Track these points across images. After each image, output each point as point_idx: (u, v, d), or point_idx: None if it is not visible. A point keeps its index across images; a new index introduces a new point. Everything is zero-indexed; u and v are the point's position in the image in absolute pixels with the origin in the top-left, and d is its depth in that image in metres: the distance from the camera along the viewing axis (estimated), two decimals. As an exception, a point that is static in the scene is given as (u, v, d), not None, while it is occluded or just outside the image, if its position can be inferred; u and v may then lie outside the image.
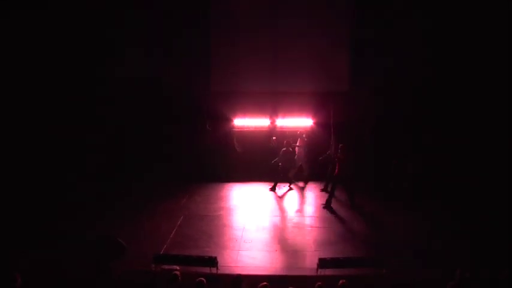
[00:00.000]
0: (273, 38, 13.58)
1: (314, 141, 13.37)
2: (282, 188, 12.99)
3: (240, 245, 9.43)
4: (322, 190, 12.59)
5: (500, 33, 12.33)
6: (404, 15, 12.96)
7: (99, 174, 12.18)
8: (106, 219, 10.21)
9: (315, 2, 13.59)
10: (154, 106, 13.23)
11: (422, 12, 12.87)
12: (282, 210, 11.62)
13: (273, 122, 13.47)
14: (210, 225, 10.41)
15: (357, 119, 13.35)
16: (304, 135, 13.09)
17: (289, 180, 13.14)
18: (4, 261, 7.89)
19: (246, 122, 13.82)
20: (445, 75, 12.90)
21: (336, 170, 11.46)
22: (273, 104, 13.55)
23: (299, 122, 13.72)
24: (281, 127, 13.56)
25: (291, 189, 12.87)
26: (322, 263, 8.04)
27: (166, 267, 7.89)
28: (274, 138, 12.85)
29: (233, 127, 13.79)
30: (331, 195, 11.50)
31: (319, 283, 6.51)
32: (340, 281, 6.50)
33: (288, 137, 12.96)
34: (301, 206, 11.85)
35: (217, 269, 8.07)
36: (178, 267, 7.45)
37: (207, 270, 7.98)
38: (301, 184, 13.31)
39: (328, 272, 7.95)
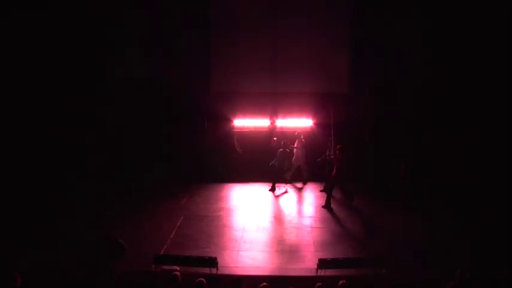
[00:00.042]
0: (273, 38, 13.57)
1: (313, 141, 13.36)
2: (282, 188, 12.99)
3: (240, 246, 9.43)
4: (321, 191, 12.58)
5: (500, 33, 12.33)
6: (404, 15, 12.95)
7: (99, 174, 12.17)
8: (106, 219, 10.21)
9: (315, 2, 13.58)
10: (154, 106, 13.22)
11: (422, 12, 12.86)
12: (281, 210, 11.62)
13: (273, 123, 13.46)
14: (210, 225, 10.41)
15: (357, 119, 13.35)
16: (302, 136, 13.07)
17: (286, 180, 13.13)
18: (4, 261, 7.89)
19: (246, 122, 13.81)
20: (445, 75, 12.90)
21: (334, 171, 11.46)
22: (273, 105, 13.54)
23: (299, 123, 13.70)
24: (281, 127, 13.54)
25: (286, 191, 12.78)
26: (322, 263, 8.04)
27: (166, 267, 7.89)
28: (275, 139, 12.84)
29: (233, 127, 13.78)
30: (329, 196, 11.50)
31: (319, 284, 6.52)
32: (340, 282, 6.50)
33: (287, 137, 12.95)
34: (301, 207, 11.86)
35: (217, 269, 8.07)
36: (178, 268, 7.46)
37: (207, 270, 7.98)
38: (299, 185, 13.29)
39: (328, 272, 7.96)
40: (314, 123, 13.70)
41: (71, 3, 12.53)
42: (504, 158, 11.88)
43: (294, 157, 13.00)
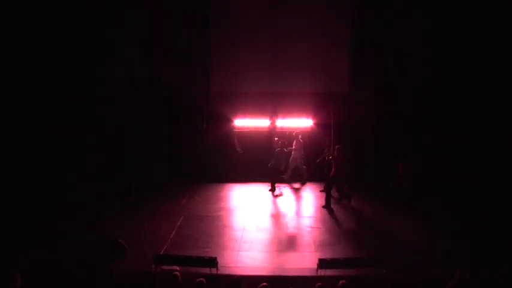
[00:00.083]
0: (273, 38, 13.57)
1: (314, 141, 13.36)
2: (281, 189, 12.97)
3: (240, 246, 9.43)
4: (321, 191, 12.57)
5: (500, 33, 12.33)
6: (404, 15, 12.95)
7: (99, 174, 12.17)
8: (106, 219, 10.20)
9: (315, 2, 13.59)
10: (154, 106, 13.22)
11: (422, 12, 12.86)
12: (281, 210, 11.62)
13: (273, 123, 13.46)
14: (210, 225, 10.41)
15: (357, 119, 13.35)
16: (300, 137, 13.06)
17: (285, 181, 13.12)
18: (4, 261, 7.89)
19: (246, 122, 13.80)
20: (445, 75, 12.90)
21: (332, 171, 11.45)
22: (273, 105, 13.53)
23: (299, 123, 13.70)
24: (281, 127, 13.53)
25: (281, 194, 12.69)
26: (322, 263, 8.04)
27: (166, 267, 7.89)
28: (276, 139, 12.83)
29: (233, 127, 13.78)
30: (329, 196, 11.49)
31: (319, 284, 6.51)
32: (340, 282, 6.50)
33: (285, 137, 12.93)
34: (301, 207, 11.86)
35: (217, 269, 8.07)
36: (178, 268, 7.46)
37: (207, 270, 7.98)
38: (296, 185, 13.25)
39: (328, 272, 7.95)
40: (314, 123, 13.69)
41: (71, 3, 12.54)
42: (504, 158, 11.88)
43: (291, 158, 12.96)
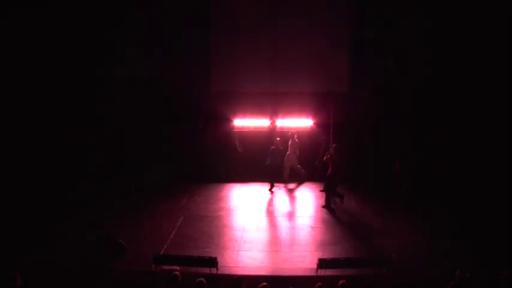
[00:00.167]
0: (273, 38, 13.57)
1: (313, 141, 13.35)
2: (280, 189, 12.96)
3: (240, 246, 9.43)
4: (321, 190, 12.55)
5: (500, 33, 12.33)
6: (404, 15, 12.95)
7: (99, 174, 12.17)
8: (106, 219, 10.20)
9: (315, 2, 13.59)
10: (154, 106, 13.22)
11: (422, 12, 12.86)
12: (281, 210, 11.62)
13: (273, 123, 13.45)
14: (210, 225, 10.41)
15: (357, 119, 13.34)
16: (295, 136, 13.03)
17: (284, 181, 13.10)
18: (4, 261, 7.88)
19: (246, 122, 13.80)
20: (445, 75, 12.90)
21: (329, 170, 11.45)
22: (273, 104, 13.53)
23: (299, 123, 13.69)
24: (281, 127, 13.52)
25: (271, 192, 12.63)
26: (322, 263, 8.05)
27: (166, 267, 7.90)
28: (278, 139, 12.82)
29: (233, 127, 13.77)
30: (329, 196, 11.49)
31: (319, 283, 6.50)
32: (340, 281, 6.49)
33: (282, 136, 12.92)
34: (301, 207, 11.85)
35: (217, 269, 8.07)
36: (178, 268, 7.46)
37: (207, 270, 7.99)
38: (292, 185, 13.22)
39: (328, 272, 7.96)
40: (314, 123, 13.68)
41: (71, 3, 12.54)
42: (504, 158, 11.88)
43: (285, 157, 12.93)
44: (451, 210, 10.82)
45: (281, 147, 12.64)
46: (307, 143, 13.34)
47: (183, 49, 13.32)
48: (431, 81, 12.94)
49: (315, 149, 12.99)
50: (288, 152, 12.93)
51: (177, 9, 13.19)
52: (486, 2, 12.45)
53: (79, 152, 12.47)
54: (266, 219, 10.97)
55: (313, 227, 10.43)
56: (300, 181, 13.33)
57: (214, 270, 8.04)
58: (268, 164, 12.46)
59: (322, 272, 8.00)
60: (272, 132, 13.21)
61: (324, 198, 11.62)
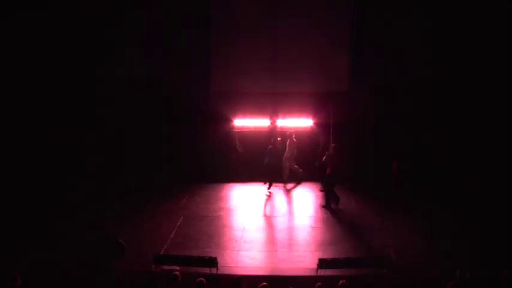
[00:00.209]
0: (273, 38, 13.55)
1: (313, 141, 13.34)
2: (282, 189, 12.95)
3: (240, 246, 9.43)
4: (321, 190, 12.55)
5: (500, 33, 12.32)
6: (404, 15, 12.94)
7: (99, 174, 12.17)
8: (106, 219, 10.20)
9: (315, 2, 13.57)
10: (154, 106, 13.21)
11: (422, 12, 12.85)
12: (281, 210, 11.63)
13: (273, 122, 13.44)
14: (210, 225, 10.41)
15: (357, 119, 13.34)
16: (293, 136, 13.01)
17: (283, 181, 13.09)
18: (4, 261, 7.89)
19: (246, 122, 13.79)
20: (445, 75, 12.89)
21: (328, 170, 11.44)
22: (273, 104, 13.52)
23: (299, 122, 13.68)
24: (281, 127, 13.51)
25: (269, 192, 12.59)
26: (322, 263, 8.05)
27: (166, 267, 7.90)
28: (279, 139, 12.81)
29: (233, 127, 13.77)
30: (329, 196, 11.49)
31: (319, 283, 6.51)
32: (340, 281, 6.50)
33: (285, 136, 12.92)
34: (301, 207, 11.84)
35: (217, 269, 8.08)
36: (178, 268, 7.47)
37: (207, 270, 7.99)
38: (290, 185, 13.20)
39: (328, 272, 7.96)
40: (314, 123, 13.67)
41: (71, 3, 12.53)
42: (504, 158, 11.88)
43: (283, 157, 12.91)
44: (451, 210, 10.82)
45: (279, 147, 12.62)
46: (307, 143, 13.31)
47: (183, 49, 13.31)
48: (431, 81, 12.93)
49: (314, 149, 12.98)
50: (286, 152, 12.91)
51: (177, 9, 13.18)
52: (486, 2, 12.44)
53: (79, 152, 12.47)
54: (266, 219, 10.97)
55: (313, 227, 10.43)
56: (297, 181, 13.31)
57: (214, 270, 8.04)
58: (266, 163, 12.44)
59: (322, 272, 8.00)
60: (272, 132, 13.19)
61: (324, 198, 11.62)
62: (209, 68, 13.76)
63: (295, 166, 13.14)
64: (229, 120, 13.71)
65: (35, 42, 12.35)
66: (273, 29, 13.53)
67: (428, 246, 9.17)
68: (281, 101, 13.53)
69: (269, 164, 12.42)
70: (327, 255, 8.59)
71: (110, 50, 13.00)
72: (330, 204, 11.40)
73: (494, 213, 10.42)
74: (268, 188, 12.64)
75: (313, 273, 8.08)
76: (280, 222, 10.85)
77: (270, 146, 12.46)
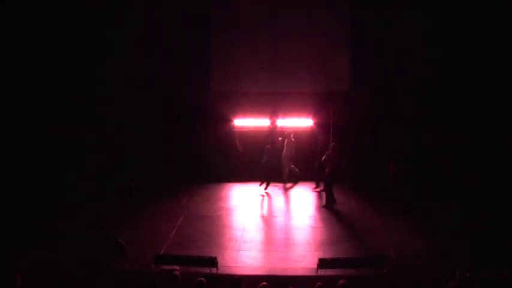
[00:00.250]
0: (273, 38, 13.57)
1: (313, 141, 13.33)
2: (281, 188, 12.95)
3: (240, 245, 9.43)
4: (321, 190, 12.55)
5: (500, 33, 12.33)
6: (404, 15, 12.95)
7: (99, 174, 12.17)
8: (106, 219, 10.20)
9: (315, 2, 13.59)
10: (154, 106, 13.22)
11: (422, 12, 12.86)
12: (281, 210, 11.63)
13: (273, 122, 13.43)
14: (210, 225, 10.41)
15: (357, 119, 13.34)
16: (291, 136, 13.00)
17: (283, 181, 13.07)
18: (4, 261, 7.89)
19: (246, 122, 13.79)
20: (445, 75, 12.89)
21: (327, 169, 11.44)
22: (273, 104, 13.52)
23: (299, 122, 13.69)
24: (281, 127, 13.51)
25: (266, 192, 12.53)
26: (322, 263, 8.05)
27: (166, 267, 7.89)
28: (280, 139, 12.80)
29: (234, 127, 13.77)
30: (329, 195, 11.48)
31: (319, 283, 6.51)
32: (340, 281, 6.50)
33: (284, 136, 12.92)
34: (301, 207, 11.83)
35: (217, 269, 8.07)
36: (178, 268, 7.46)
37: (207, 270, 7.99)
38: (289, 185, 13.19)
39: (328, 272, 7.96)
40: (314, 123, 13.67)
41: (71, 3, 12.53)
42: (504, 158, 11.88)
43: (282, 156, 12.90)
44: (451, 210, 10.82)
45: (277, 147, 12.60)
46: (306, 143, 13.29)
47: (183, 49, 13.33)
48: (431, 81, 12.93)
49: (313, 148, 12.97)
50: (283, 152, 12.88)
51: (177, 9, 13.19)
52: (486, 2, 12.45)
53: (79, 152, 12.47)
54: (266, 219, 10.97)
55: (313, 227, 10.43)
56: (295, 181, 13.29)
57: (214, 270, 8.04)
58: (264, 162, 12.42)
59: (322, 272, 8.00)
60: (272, 132, 13.19)
61: (324, 198, 11.62)
62: (209, 68, 13.76)
63: (292, 166, 13.13)
64: (229, 120, 13.71)
65: (35, 42, 12.36)
66: (273, 29, 13.55)
67: (428, 246, 9.16)
68: (281, 101, 13.53)
69: (267, 164, 12.41)
70: (327, 255, 8.58)
71: (110, 50, 13.01)
72: (330, 204, 11.40)
73: (494, 213, 10.42)
74: (265, 188, 12.60)
75: (313, 273, 8.08)
76: (280, 222, 10.85)
77: (267, 146, 12.45)
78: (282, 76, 13.58)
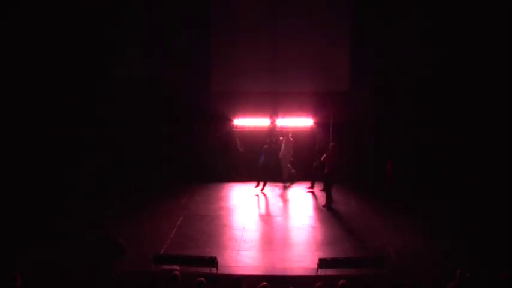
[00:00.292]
0: (273, 38, 13.56)
1: (313, 141, 13.33)
2: (281, 189, 12.95)
3: (240, 245, 9.43)
4: (321, 190, 12.55)
5: (500, 33, 12.32)
6: (404, 15, 12.95)
7: (99, 174, 12.17)
8: (106, 219, 10.20)
9: (315, 2, 13.58)
10: (154, 106, 13.22)
11: (422, 12, 12.86)
12: (281, 210, 11.63)
13: (273, 122, 13.43)
14: (210, 225, 10.41)
15: (357, 119, 13.34)
16: (290, 135, 12.99)
17: (283, 180, 13.06)
18: (4, 261, 7.89)
19: (246, 122, 13.79)
20: (445, 75, 12.89)
21: (326, 169, 11.44)
22: (273, 104, 13.52)
23: (299, 122, 13.68)
24: (281, 127, 13.51)
25: (263, 193, 12.52)
26: (322, 263, 8.05)
27: (166, 267, 7.88)
28: (281, 138, 12.79)
29: (233, 127, 13.77)
30: (329, 195, 11.48)
31: (319, 283, 6.51)
32: (340, 281, 6.50)
33: (276, 135, 12.90)
34: (301, 207, 11.84)
35: (217, 269, 8.07)
36: (178, 268, 7.45)
37: (207, 270, 7.99)
38: (292, 185, 13.16)
39: (328, 272, 7.97)
40: (314, 123, 13.66)
41: (71, 3, 12.53)
42: (504, 158, 11.88)
43: (280, 156, 12.88)
44: (451, 210, 10.82)
45: (276, 147, 12.58)
46: (305, 143, 13.27)
47: (183, 49, 13.31)
48: (431, 81, 12.93)
49: (312, 148, 12.95)
50: (281, 151, 12.85)
51: (177, 9, 13.19)
52: (486, 2, 12.45)
53: (79, 152, 12.47)
54: (266, 219, 10.97)
55: (313, 227, 10.43)
56: (291, 181, 13.25)
57: (214, 270, 8.04)
58: (262, 163, 12.40)
59: (322, 272, 8.00)
60: (272, 131, 13.19)
61: (324, 198, 11.62)
62: (209, 68, 13.75)
63: (289, 166, 13.12)
64: (229, 120, 13.71)
65: (35, 42, 12.35)
66: (273, 29, 13.54)
67: (428, 246, 9.17)
68: (281, 101, 13.52)
69: (265, 165, 12.38)
70: (327, 255, 8.59)
71: (110, 50, 13.00)
72: (330, 204, 11.40)
73: (494, 213, 10.42)
74: (262, 189, 12.56)
75: (313, 273, 8.09)
76: (280, 221, 10.86)
77: (265, 146, 12.43)
78: (282, 76, 13.57)
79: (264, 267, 8.61)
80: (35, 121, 12.31)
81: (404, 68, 12.90)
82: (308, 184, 12.87)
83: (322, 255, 8.63)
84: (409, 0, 13.05)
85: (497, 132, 12.23)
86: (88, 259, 7.74)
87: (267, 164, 12.42)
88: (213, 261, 8.06)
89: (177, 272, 6.74)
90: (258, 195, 12.42)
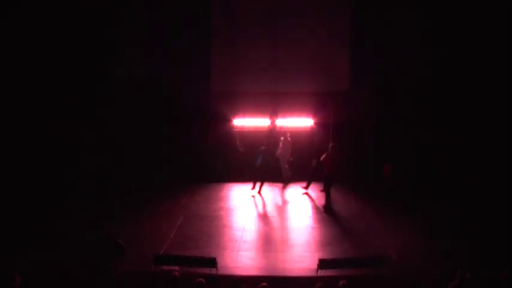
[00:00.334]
0: (273, 38, 13.56)
1: (313, 141, 13.33)
2: (281, 189, 12.95)
3: (240, 246, 9.43)
4: (321, 191, 12.54)
5: (500, 33, 12.33)
6: (404, 15, 12.96)
7: (99, 174, 12.17)
8: (106, 219, 10.19)
9: (315, 2, 13.58)
10: (154, 106, 13.22)
11: (422, 12, 12.87)
12: (281, 210, 11.62)
13: (273, 122, 13.43)
14: (210, 225, 10.41)
15: (357, 119, 13.34)
16: (288, 135, 12.97)
17: (283, 180, 13.05)
18: (4, 261, 7.89)
19: (246, 122, 13.79)
20: (445, 75, 12.90)
21: (325, 169, 11.44)
22: (273, 104, 13.52)
23: (299, 122, 13.68)
24: (281, 127, 13.50)
25: (253, 196, 12.38)
26: (322, 263, 8.04)
27: (166, 267, 7.90)
28: (282, 138, 12.78)
29: (233, 127, 13.77)
30: (328, 196, 11.47)
31: (319, 284, 6.52)
32: (340, 282, 6.51)
33: (278, 135, 12.89)
34: (301, 207, 11.84)
35: (217, 269, 8.07)
36: (178, 268, 7.48)
37: (206, 270, 7.98)
38: (292, 185, 13.08)
39: (328, 272, 7.96)
40: (314, 123, 13.66)
41: (71, 3, 12.54)
42: (504, 158, 11.88)
43: (279, 156, 12.84)
44: (451, 210, 10.82)
45: (273, 148, 12.56)
46: (303, 143, 13.25)
47: (183, 49, 13.32)
48: (431, 81, 12.94)
49: (310, 148, 12.94)
50: (279, 151, 12.83)
51: (177, 9, 13.19)
52: (486, 2, 12.45)
53: (79, 152, 12.47)
54: (266, 219, 10.96)
55: (313, 227, 10.43)
56: (286, 182, 13.18)
57: (214, 271, 8.04)
58: (259, 164, 12.36)
59: (322, 272, 7.99)
60: (272, 131, 13.18)
61: (324, 198, 11.61)
62: (209, 68, 13.75)
63: (286, 166, 13.09)
64: (229, 120, 13.71)
65: (35, 42, 12.36)
66: (273, 29, 13.54)
67: (428, 246, 9.17)
68: (281, 101, 13.51)
69: (263, 166, 12.34)
70: (327, 256, 8.59)
71: (110, 50, 13.01)
72: (330, 204, 11.39)
73: (494, 213, 10.42)
74: (259, 191, 12.52)
75: (313, 274, 8.08)
76: (280, 222, 10.86)
77: (263, 147, 12.40)
78: (282, 76, 13.57)
79: (264, 267, 8.61)
80: (35, 121, 12.31)
81: (404, 68, 12.91)
82: (304, 184, 12.84)
83: (322, 255, 8.63)
84: (409, 0, 13.04)
85: (497, 132, 12.23)
86: (88, 259, 7.74)
87: (265, 165, 12.40)
88: (212, 262, 8.06)
89: (176, 273, 6.75)
90: (254, 196, 12.36)
